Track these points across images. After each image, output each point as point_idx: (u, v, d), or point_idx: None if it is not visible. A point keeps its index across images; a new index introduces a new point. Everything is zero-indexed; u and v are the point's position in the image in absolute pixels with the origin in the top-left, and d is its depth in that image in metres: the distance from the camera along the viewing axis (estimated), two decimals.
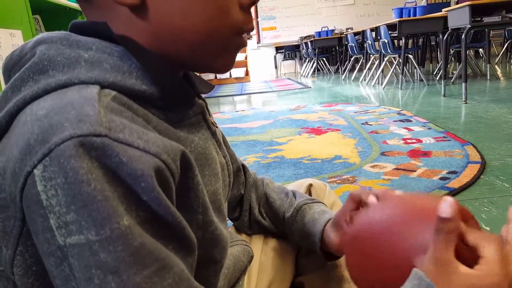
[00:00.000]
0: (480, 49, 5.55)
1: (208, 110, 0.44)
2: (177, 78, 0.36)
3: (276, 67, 9.76)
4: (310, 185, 0.67)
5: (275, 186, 0.63)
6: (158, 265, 0.28)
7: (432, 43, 5.89)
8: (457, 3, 3.47)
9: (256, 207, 0.61)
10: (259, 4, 9.44)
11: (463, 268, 0.33)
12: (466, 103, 3.03)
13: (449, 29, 3.29)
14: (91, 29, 0.34)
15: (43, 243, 0.28)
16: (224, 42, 0.37)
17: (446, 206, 0.34)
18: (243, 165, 0.61)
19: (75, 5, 2.26)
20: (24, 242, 0.30)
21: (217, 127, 0.45)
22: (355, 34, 6.22)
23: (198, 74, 0.45)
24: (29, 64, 0.32)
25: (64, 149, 0.26)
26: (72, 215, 0.26)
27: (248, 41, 8.39)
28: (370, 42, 5.17)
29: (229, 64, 0.39)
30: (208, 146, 0.40)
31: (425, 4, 5.01)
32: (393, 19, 4.51)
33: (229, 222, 0.64)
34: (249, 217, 0.61)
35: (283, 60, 9.52)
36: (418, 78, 4.97)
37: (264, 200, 0.61)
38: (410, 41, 5.38)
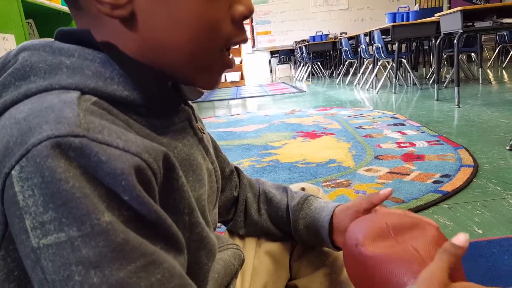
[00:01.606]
0: (472, 54, 5.61)
1: (195, 116, 0.43)
2: (162, 84, 0.36)
3: (271, 71, 9.78)
4: (303, 189, 0.67)
5: (271, 184, 0.64)
6: (144, 260, 0.28)
7: (425, 47, 5.94)
8: (449, 8, 3.50)
9: (254, 205, 0.60)
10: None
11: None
12: (458, 107, 3.05)
13: (442, 33, 3.32)
14: (75, 37, 0.35)
15: (20, 245, 0.27)
16: (211, 61, 0.37)
17: (463, 237, 0.37)
18: (236, 168, 0.61)
19: (67, 9, 2.26)
20: (6, 246, 0.29)
21: (204, 133, 0.45)
22: (349, 38, 6.27)
23: None
24: (10, 70, 0.33)
25: (41, 149, 0.26)
26: (50, 213, 0.26)
27: (243, 45, 8.47)
28: (364, 47, 5.21)
29: (214, 82, 0.39)
30: (193, 152, 0.40)
31: (418, 9, 5.06)
32: (387, 23, 4.55)
33: (223, 227, 0.64)
34: (244, 217, 0.61)
35: (278, 64, 9.55)
36: (412, 82, 5.01)
37: (264, 197, 0.61)
38: (403, 45, 5.43)
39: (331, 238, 0.56)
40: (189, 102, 0.44)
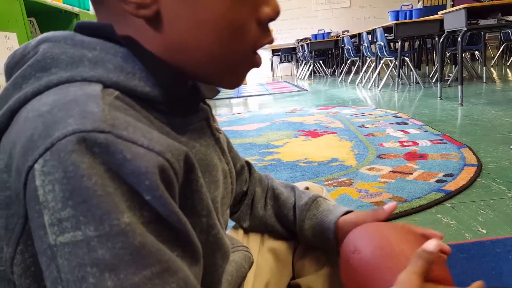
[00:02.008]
0: (476, 52, 5.59)
1: (212, 115, 0.43)
2: (183, 83, 0.36)
3: (272, 69, 9.77)
4: (307, 188, 0.67)
5: (280, 182, 0.64)
6: (160, 267, 0.27)
7: (428, 45, 5.91)
8: (453, 5, 3.49)
9: (262, 200, 0.61)
10: None
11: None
12: (462, 105, 3.03)
13: (445, 31, 3.30)
14: (96, 30, 0.34)
15: (37, 240, 0.27)
16: (238, 62, 0.37)
17: (433, 242, 0.40)
18: (247, 162, 0.61)
19: (70, 8, 2.26)
20: (25, 241, 0.29)
21: (220, 133, 0.45)
22: (352, 36, 6.24)
23: None
24: (31, 62, 0.32)
25: (66, 143, 0.26)
26: (68, 210, 0.25)
27: None
28: (366, 45, 5.19)
29: (239, 82, 0.39)
30: (210, 152, 0.40)
31: (421, 7, 5.04)
32: (389, 21, 4.53)
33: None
34: (250, 210, 0.61)
35: (279, 63, 9.54)
36: (414, 81, 4.98)
37: (271, 192, 0.61)
38: (406, 43, 5.40)
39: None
40: (206, 101, 0.43)
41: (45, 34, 0.34)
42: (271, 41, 0.38)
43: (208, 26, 0.34)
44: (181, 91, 0.35)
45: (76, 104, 0.28)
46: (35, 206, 0.26)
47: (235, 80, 0.39)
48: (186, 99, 0.36)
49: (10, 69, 0.34)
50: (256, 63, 0.38)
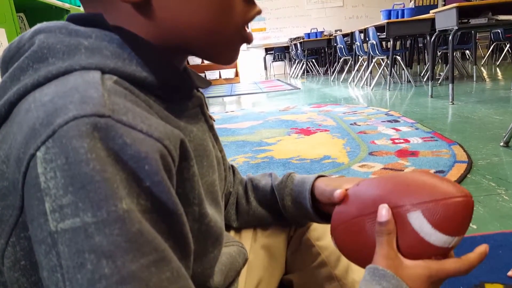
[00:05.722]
0: (467, 51, 5.64)
1: (206, 103, 0.44)
2: (177, 69, 0.37)
3: (265, 68, 9.76)
4: None
5: (259, 174, 0.65)
6: (156, 255, 0.27)
7: (419, 44, 5.95)
8: (444, 5, 3.52)
9: (244, 196, 0.61)
10: None
11: (407, 261, 0.38)
12: (452, 103, 3.06)
13: (437, 30, 3.33)
14: (87, 21, 0.34)
15: (36, 229, 0.27)
16: (229, 37, 0.37)
17: (383, 211, 0.39)
18: (232, 165, 0.63)
19: (60, 4, 2.23)
20: (17, 233, 0.29)
21: (214, 120, 0.46)
22: (344, 35, 6.27)
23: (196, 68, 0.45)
24: (28, 53, 0.32)
25: (67, 129, 0.26)
26: (69, 197, 0.25)
27: None
28: (358, 44, 5.21)
29: (233, 57, 0.40)
30: (206, 138, 0.41)
31: (413, 6, 5.07)
32: (381, 21, 4.55)
33: None
34: (236, 210, 0.61)
35: (272, 62, 9.54)
36: (406, 80, 5.02)
37: (250, 185, 0.62)
38: (398, 42, 5.43)
39: (320, 210, 0.54)
40: (200, 89, 0.44)
41: (38, 25, 0.34)
42: (259, 12, 0.39)
43: (198, 7, 0.34)
44: (173, 77, 0.36)
45: (76, 91, 0.28)
46: (36, 193, 0.26)
47: (230, 55, 0.39)
48: (179, 85, 0.37)
49: (6, 63, 0.34)
50: (248, 37, 0.39)
